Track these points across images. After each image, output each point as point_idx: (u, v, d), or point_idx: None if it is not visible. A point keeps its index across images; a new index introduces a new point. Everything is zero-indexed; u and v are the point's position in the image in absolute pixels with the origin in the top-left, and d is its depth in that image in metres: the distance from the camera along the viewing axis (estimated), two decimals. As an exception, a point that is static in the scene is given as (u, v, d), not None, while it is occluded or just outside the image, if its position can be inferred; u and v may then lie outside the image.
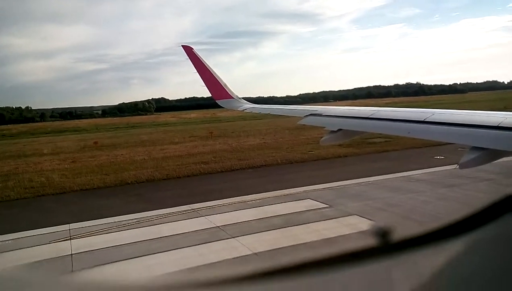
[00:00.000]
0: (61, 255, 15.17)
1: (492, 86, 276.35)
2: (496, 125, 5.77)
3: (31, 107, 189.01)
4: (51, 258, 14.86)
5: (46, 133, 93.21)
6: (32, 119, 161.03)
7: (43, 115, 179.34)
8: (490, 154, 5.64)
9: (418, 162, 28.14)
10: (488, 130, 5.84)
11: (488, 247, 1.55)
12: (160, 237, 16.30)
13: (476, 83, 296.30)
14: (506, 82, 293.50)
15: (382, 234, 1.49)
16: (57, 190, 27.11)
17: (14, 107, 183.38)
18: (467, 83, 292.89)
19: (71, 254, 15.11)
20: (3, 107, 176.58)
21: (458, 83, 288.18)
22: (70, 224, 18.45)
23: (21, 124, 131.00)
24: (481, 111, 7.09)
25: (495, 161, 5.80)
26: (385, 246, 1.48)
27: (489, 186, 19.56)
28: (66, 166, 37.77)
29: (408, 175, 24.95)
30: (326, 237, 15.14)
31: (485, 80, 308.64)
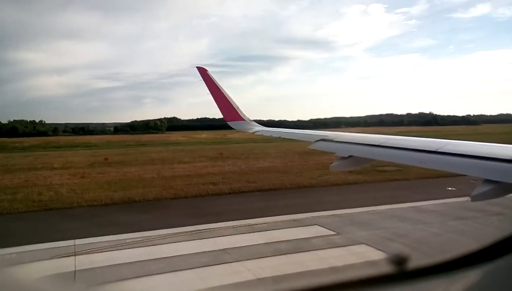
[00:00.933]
0: (64, 271, 15.06)
1: (505, 119, 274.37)
2: (509, 158, 5.66)
3: (44, 121, 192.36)
4: (53, 274, 14.74)
5: (58, 147, 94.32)
6: (45, 133, 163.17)
7: (55, 129, 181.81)
8: (503, 188, 5.51)
9: (429, 193, 27.75)
10: (501, 164, 5.72)
11: (497, 280, 1.49)
12: (163, 258, 16.12)
13: (490, 115, 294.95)
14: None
15: (394, 263, 1.44)
16: (65, 204, 27.19)
17: (28, 120, 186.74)
18: (481, 115, 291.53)
19: (74, 271, 15.00)
20: (18, 120, 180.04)
21: (472, 114, 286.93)
22: (76, 240, 18.38)
23: (34, 138, 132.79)
24: (494, 144, 6.98)
25: (508, 195, 5.67)
26: (396, 276, 1.43)
27: (501, 221, 19.14)
28: (75, 181, 38.01)
29: (418, 205, 24.57)
30: (332, 265, 14.83)
31: (498, 113, 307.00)
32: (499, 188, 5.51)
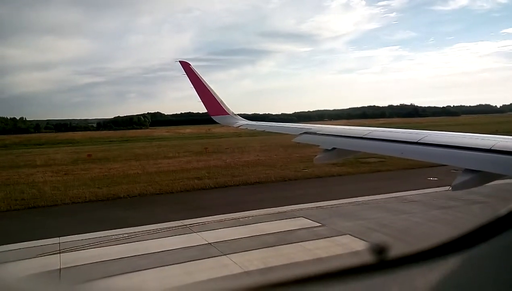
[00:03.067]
0: (48, 269, 14.90)
1: (484, 109, 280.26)
2: (488, 148, 5.81)
3: (25, 118, 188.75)
4: (37, 273, 14.56)
5: (40, 144, 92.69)
6: (26, 131, 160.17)
7: (37, 126, 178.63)
8: (482, 177, 5.66)
9: (411, 183, 28.18)
10: (481, 153, 5.87)
11: (480, 266, 1.56)
12: (150, 253, 16.09)
13: (469, 106, 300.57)
14: (498, 106, 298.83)
15: (375, 252, 1.50)
16: (48, 202, 26.81)
17: (8, 118, 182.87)
18: (461, 106, 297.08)
19: (59, 269, 14.86)
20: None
21: (452, 105, 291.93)
22: (60, 237, 18.19)
23: (15, 135, 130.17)
24: (474, 134, 7.14)
25: (488, 184, 5.82)
26: (377, 265, 1.48)
27: (482, 209, 19.58)
28: (58, 178, 37.48)
29: (401, 195, 24.95)
30: (318, 256, 15.02)
31: (478, 104, 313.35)
32: (479, 177, 5.67)
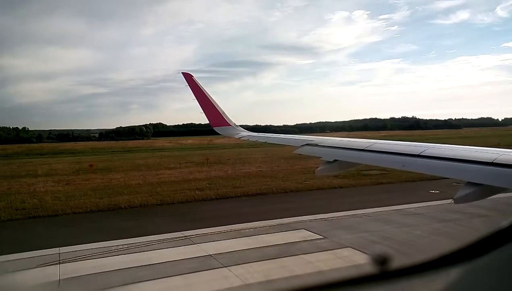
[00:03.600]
0: (48, 280, 14.81)
1: (486, 122, 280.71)
2: (490, 161, 5.80)
3: (28, 128, 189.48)
4: (37, 284, 14.49)
5: (42, 154, 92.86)
6: (28, 140, 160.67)
7: (40, 136, 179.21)
8: (484, 190, 5.64)
9: (413, 196, 28.06)
10: (483, 167, 5.86)
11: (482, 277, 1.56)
12: (150, 264, 15.97)
13: (471, 119, 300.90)
14: (500, 119, 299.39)
15: (377, 263, 1.49)
16: (49, 212, 26.76)
17: (11, 127, 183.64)
18: (462, 119, 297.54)
19: (59, 280, 14.77)
20: (0, 127, 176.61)
21: (453, 118, 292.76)
22: (60, 248, 18.12)
23: (17, 145, 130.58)
24: (476, 147, 7.13)
25: (489, 197, 5.79)
26: (379, 276, 1.48)
27: (484, 222, 19.46)
28: (59, 188, 37.46)
29: (403, 208, 24.82)
30: (319, 269, 14.91)
31: (479, 117, 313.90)
32: (481, 190, 5.65)
